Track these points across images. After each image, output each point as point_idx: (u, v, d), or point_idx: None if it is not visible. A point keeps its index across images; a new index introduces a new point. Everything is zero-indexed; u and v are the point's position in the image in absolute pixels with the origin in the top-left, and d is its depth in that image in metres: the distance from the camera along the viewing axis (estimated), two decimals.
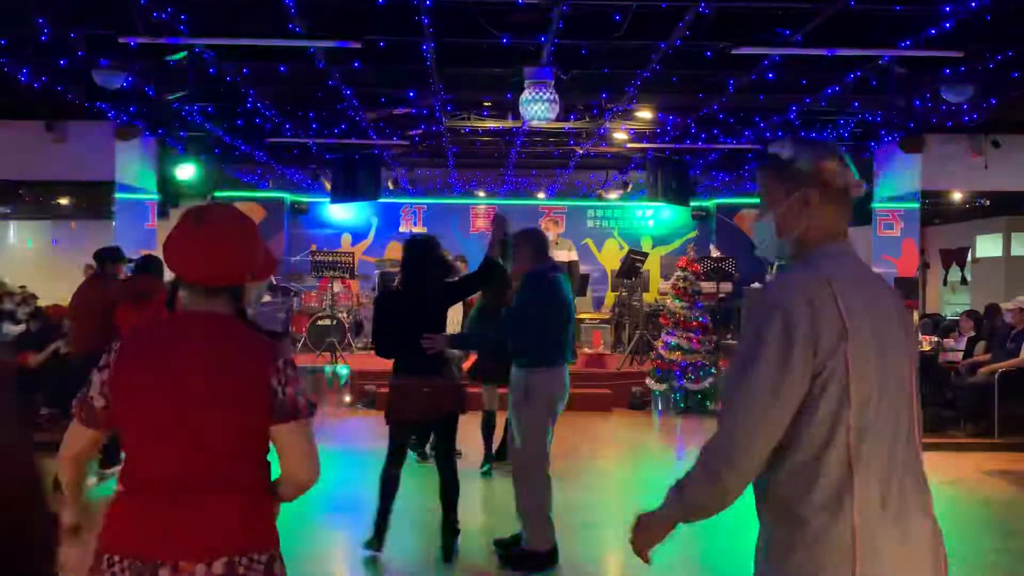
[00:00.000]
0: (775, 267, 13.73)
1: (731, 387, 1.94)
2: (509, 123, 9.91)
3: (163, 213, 11.13)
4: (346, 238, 17.00)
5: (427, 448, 8.21)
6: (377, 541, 5.33)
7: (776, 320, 1.88)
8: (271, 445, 2.23)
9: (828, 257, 1.99)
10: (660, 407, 10.36)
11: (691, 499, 2.00)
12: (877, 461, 1.91)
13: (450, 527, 5.36)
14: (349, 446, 9.17)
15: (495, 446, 7.87)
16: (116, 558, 2.14)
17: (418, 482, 7.18)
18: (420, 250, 5.33)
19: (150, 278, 6.95)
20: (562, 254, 12.01)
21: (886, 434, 1.93)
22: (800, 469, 1.93)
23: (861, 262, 2.06)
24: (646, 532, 2.08)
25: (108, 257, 7.37)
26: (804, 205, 2.01)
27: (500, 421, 8.17)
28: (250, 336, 2.23)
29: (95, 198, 13.38)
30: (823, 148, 2.03)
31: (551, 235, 12.15)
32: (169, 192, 10.80)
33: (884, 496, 1.92)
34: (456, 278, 6.04)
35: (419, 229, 17.00)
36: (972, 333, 10.57)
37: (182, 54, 6.90)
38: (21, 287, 14.40)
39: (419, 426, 5.28)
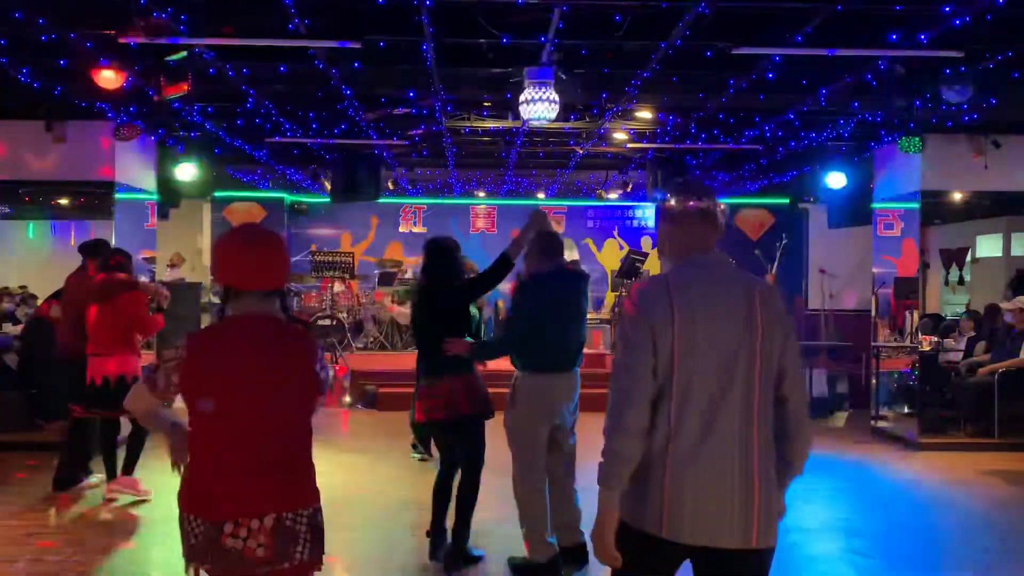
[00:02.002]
0: (774, 267, 13.76)
1: (612, 369, 2.64)
2: (509, 123, 9.90)
3: (163, 213, 11.12)
4: (346, 238, 17.00)
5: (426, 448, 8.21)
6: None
7: (628, 312, 2.63)
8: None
9: (679, 267, 2.70)
10: None
11: (607, 473, 2.56)
12: (695, 421, 2.53)
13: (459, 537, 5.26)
14: (348, 445, 9.17)
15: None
16: (192, 516, 2.68)
17: (416, 480, 7.19)
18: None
19: (117, 276, 6.83)
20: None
21: (707, 401, 2.54)
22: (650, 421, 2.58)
23: (719, 270, 2.70)
24: (600, 538, 2.58)
25: (91, 251, 7.24)
26: (661, 233, 2.82)
27: None
28: (296, 332, 2.82)
29: (95, 198, 13.36)
30: (667, 191, 2.84)
31: None
32: (169, 192, 10.79)
33: (696, 451, 2.53)
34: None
35: (419, 229, 16.99)
36: (972, 333, 10.57)
37: (182, 54, 6.89)
38: (21, 287, 14.40)
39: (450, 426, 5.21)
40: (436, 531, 5.31)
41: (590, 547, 3.99)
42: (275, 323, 2.78)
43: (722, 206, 2.79)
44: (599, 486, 2.57)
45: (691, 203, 2.73)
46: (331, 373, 2.92)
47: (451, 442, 5.26)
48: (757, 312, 2.62)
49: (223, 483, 2.66)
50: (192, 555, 2.71)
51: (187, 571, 2.76)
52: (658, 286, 2.63)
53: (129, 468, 6.93)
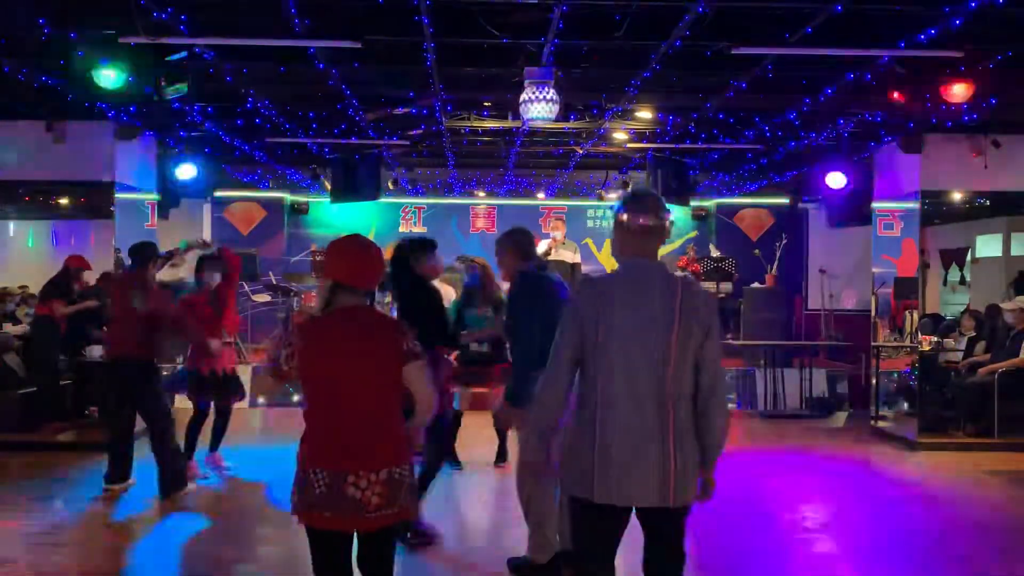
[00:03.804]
0: (774, 267, 13.75)
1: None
2: (509, 123, 9.90)
3: (163, 213, 11.11)
4: None
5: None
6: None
7: (568, 305, 3.30)
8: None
9: (618, 269, 3.30)
10: None
11: (534, 415, 3.38)
12: (619, 400, 3.10)
13: None
14: None
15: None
16: (317, 469, 3.24)
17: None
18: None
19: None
20: (567, 255, 11.98)
21: (628, 384, 3.10)
22: (580, 399, 3.22)
23: (650, 274, 3.22)
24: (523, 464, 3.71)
25: (149, 254, 7.20)
26: (614, 238, 3.36)
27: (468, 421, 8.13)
28: (386, 318, 3.52)
29: (95, 198, 13.36)
30: (623, 203, 3.31)
31: (559, 234, 12.12)
32: (169, 192, 10.79)
33: (615, 419, 3.09)
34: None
35: (419, 229, 16.98)
36: (972, 333, 10.56)
37: (182, 54, 6.89)
38: (21, 287, 14.40)
39: None
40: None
41: None
42: (372, 312, 3.44)
43: (671, 216, 3.35)
44: (528, 434, 3.38)
45: (640, 220, 3.25)
46: (416, 347, 3.41)
47: None
48: (677, 311, 3.14)
49: (344, 443, 3.24)
50: (311, 504, 3.24)
51: (297, 521, 3.31)
52: (593, 285, 3.25)
53: (215, 446, 7.75)
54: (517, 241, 5.17)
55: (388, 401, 3.35)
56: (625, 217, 3.26)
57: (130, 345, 6.85)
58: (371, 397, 3.31)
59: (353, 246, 3.46)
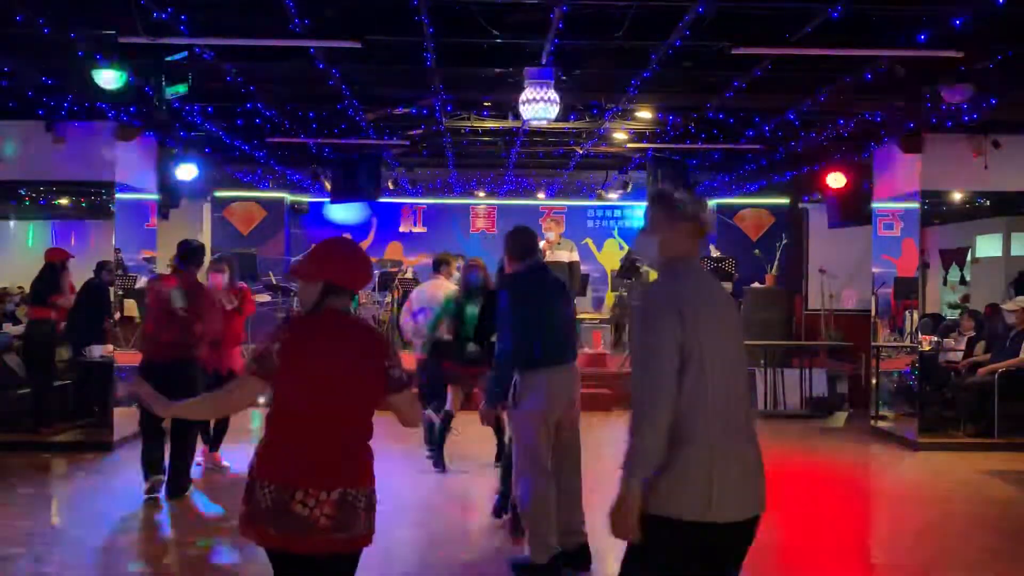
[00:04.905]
0: (774, 267, 13.76)
1: (635, 369, 2.86)
2: (509, 123, 9.90)
3: (163, 213, 11.10)
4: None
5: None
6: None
7: (649, 319, 2.84)
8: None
9: (683, 275, 2.94)
10: None
11: (636, 465, 2.75)
12: (724, 408, 2.83)
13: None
14: None
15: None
16: (265, 483, 2.95)
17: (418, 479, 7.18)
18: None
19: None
20: (563, 254, 11.99)
21: (724, 390, 2.84)
22: (679, 418, 2.79)
23: (710, 276, 3.17)
24: (624, 519, 2.74)
25: (201, 258, 7.12)
26: (671, 232, 2.99)
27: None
28: (377, 335, 3.28)
29: (95, 198, 13.36)
30: (685, 201, 3.02)
31: (552, 235, 12.15)
32: (169, 192, 10.78)
33: (723, 431, 2.82)
34: None
35: (419, 229, 16.99)
36: (972, 333, 10.56)
37: (182, 54, 6.89)
38: (20, 287, 14.40)
39: None
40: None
41: (593, 549, 3.98)
42: (355, 321, 3.25)
43: None
44: (626, 476, 2.75)
45: (704, 221, 3.01)
46: (405, 375, 3.21)
47: None
48: (737, 311, 3.12)
49: (298, 456, 2.97)
50: (256, 518, 2.96)
51: (243, 534, 3.04)
52: (672, 294, 2.89)
53: (215, 446, 7.90)
54: (515, 241, 5.23)
55: (357, 420, 3.11)
56: (702, 216, 3.00)
57: (177, 346, 6.73)
58: (340, 412, 3.06)
59: (346, 247, 3.34)
